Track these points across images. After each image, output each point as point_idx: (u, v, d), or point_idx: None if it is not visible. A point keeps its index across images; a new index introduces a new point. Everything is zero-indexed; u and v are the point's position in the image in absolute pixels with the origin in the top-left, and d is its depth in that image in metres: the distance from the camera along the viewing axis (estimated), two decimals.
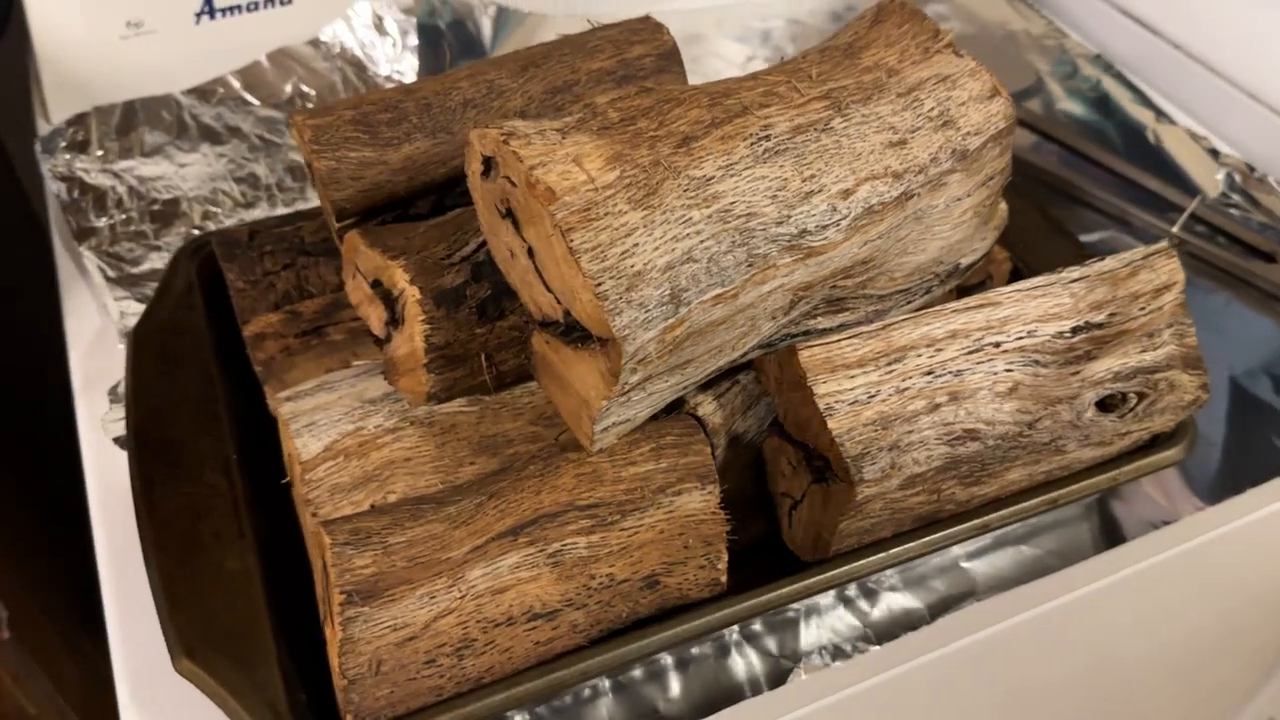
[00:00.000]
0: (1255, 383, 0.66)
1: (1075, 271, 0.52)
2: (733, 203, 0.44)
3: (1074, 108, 0.85)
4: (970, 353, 0.49)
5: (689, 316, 0.43)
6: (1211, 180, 0.78)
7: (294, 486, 0.52)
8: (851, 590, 0.55)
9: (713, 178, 0.44)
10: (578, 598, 0.47)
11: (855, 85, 0.49)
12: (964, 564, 0.57)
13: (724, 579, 0.49)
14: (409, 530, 0.46)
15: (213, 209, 0.74)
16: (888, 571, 0.56)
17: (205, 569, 0.49)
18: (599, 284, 0.41)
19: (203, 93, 0.80)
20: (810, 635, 0.54)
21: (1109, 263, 0.52)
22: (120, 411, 0.61)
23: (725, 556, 0.49)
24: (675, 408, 0.52)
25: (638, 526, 0.48)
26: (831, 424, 0.47)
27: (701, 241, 0.43)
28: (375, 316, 0.52)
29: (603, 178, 0.42)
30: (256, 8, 0.82)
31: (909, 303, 0.53)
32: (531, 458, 0.50)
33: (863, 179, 0.46)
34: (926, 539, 0.50)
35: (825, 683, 0.52)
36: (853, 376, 0.48)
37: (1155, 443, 0.55)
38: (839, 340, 0.49)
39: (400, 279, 0.48)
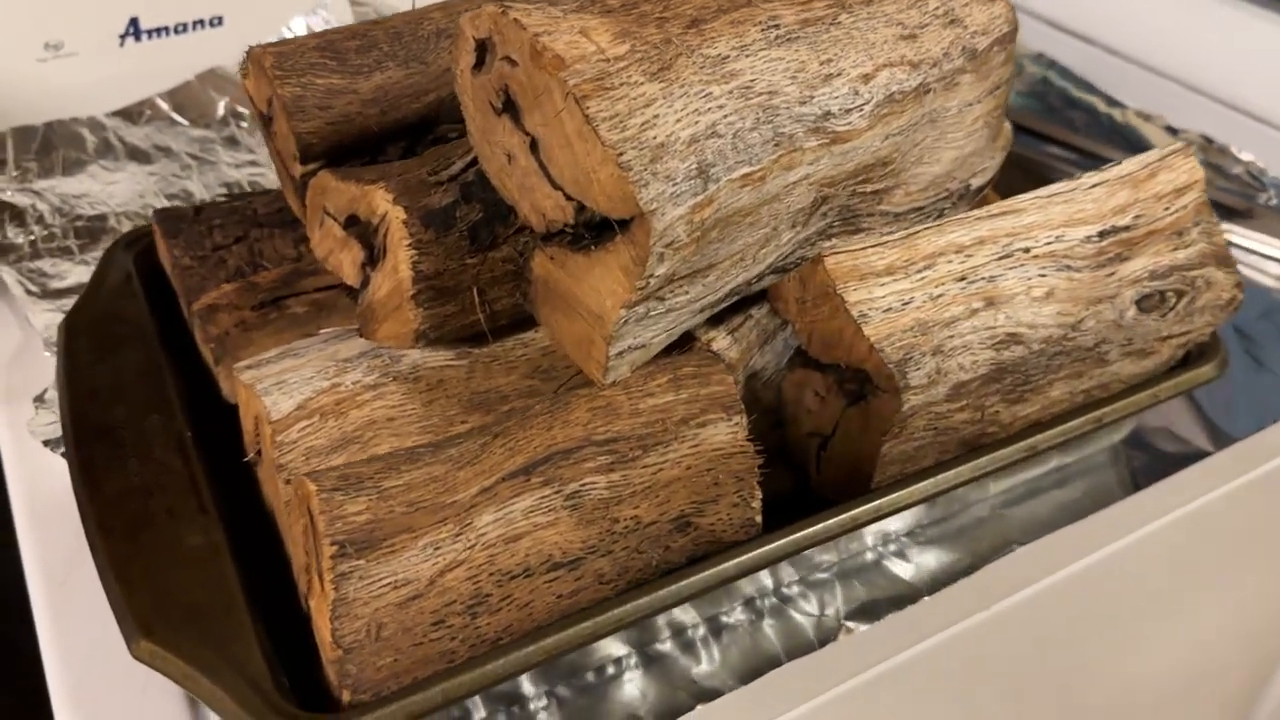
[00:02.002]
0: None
1: (1093, 177, 0.49)
2: (752, 80, 0.40)
3: (1028, 103, 0.85)
4: (1000, 258, 0.46)
5: (717, 196, 0.39)
6: None
7: (262, 456, 0.46)
8: (890, 546, 0.50)
9: (728, 56, 0.40)
10: (601, 544, 0.42)
11: None
12: (1003, 511, 0.52)
13: (759, 519, 0.44)
14: (406, 473, 0.40)
15: (144, 224, 0.68)
16: (924, 523, 0.51)
17: (160, 546, 0.42)
18: (621, 154, 0.36)
19: (129, 114, 0.75)
20: (852, 593, 0.48)
21: (1127, 165, 0.50)
22: (49, 416, 0.54)
23: (759, 494, 0.44)
24: (682, 345, 0.47)
25: (661, 462, 0.43)
26: (868, 330, 0.43)
27: (725, 116, 0.39)
28: (349, 261, 0.46)
29: (613, 49, 0.38)
30: (185, 29, 0.78)
31: (919, 222, 0.50)
32: (539, 400, 0.45)
33: (880, 65, 0.43)
34: (974, 462, 0.45)
35: (878, 640, 0.46)
36: (883, 284, 0.44)
37: (1186, 363, 0.52)
38: (863, 248, 0.45)
39: (381, 201, 0.43)
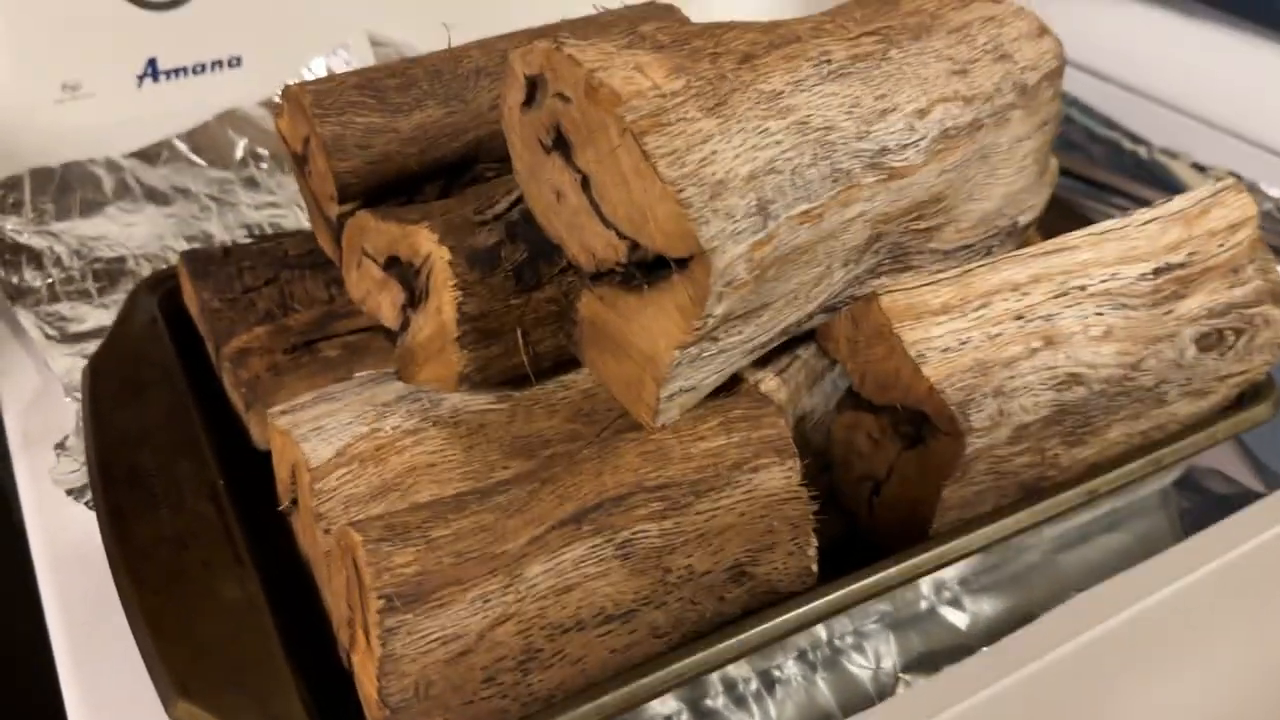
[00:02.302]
0: None
1: (1145, 214, 0.48)
2: (808, 115, 0.39)
3: None
4: (1056, 296, 0.45)
5: (777, 233, 0.37)
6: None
7: (299, 504, 0.44)
8: (944, 594, 0.48)
9: (782, 92, 0.39)
10: (655, 595, 0.40)
11: (901, 25, 0.46)
12: (1055, 556, 0.51)
13: (815, 567, 0.42)
14: (454, 522, 0.39)
15: (166, 266, 0.66)
16: (977, 570, 0.50)
17: (196, 599, 0.40)
18: (680, 190, 0.35)
19: (146, 155, 0.74)
20: (907, 644, 0.47)
21: (1178, 202, 0.49)
22: (71, 464, 0.52)
23: (814, 541, 0.42)
24: (730, 387, 0.46)
25: (714, 509, 0.41)
26: (927, 371, 0.42)
27: (783, 152, 0.38)
28: (388, 302, 0.45)
29: (668, 85, 0.37)
30: (204, 70, 0.78)
31: (967, 260, 0.49)
32: (584, 444, 0.44)
33: (935, 100, 0.43)
34: (1035, 508, 0.44)
35: (938, 693, 0.44)
36: (939, 323, 0.43)
37: (1240, 403, 0.50)
38: (917, 286, 0.44)
39: (425, 242, 0.42)
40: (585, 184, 0.39)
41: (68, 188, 0.71)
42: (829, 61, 0.41)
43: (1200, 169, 0.79)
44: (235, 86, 0.78)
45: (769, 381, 0.46)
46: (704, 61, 0.39)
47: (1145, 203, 0.74)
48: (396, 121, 0.45)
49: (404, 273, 0.44)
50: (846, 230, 0.41)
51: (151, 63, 0.76)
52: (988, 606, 0.49)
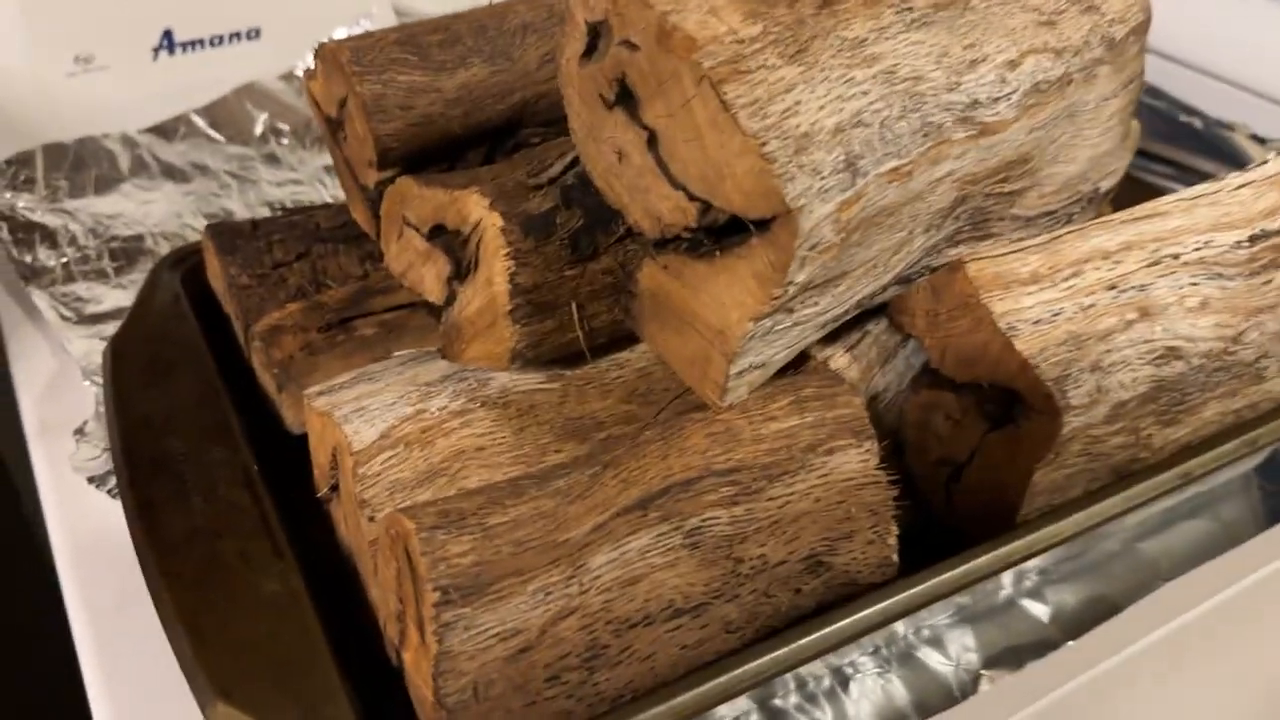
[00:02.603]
0: None
1: (1238, 178, 0.45)
2: (895, 65, 0.36)
3: None
4: (1149, 265, 0.42)
5: (865, 192, 0.34)
6: None
7: (340, 490, 0.41)
8: (1024, 584, 0.45)
9: (866, 39, 0.36)
10: (726, 587, 0.37)
11: None
12: (1136, 545, 0.48)
13: (895, 556, 0.39)
14: (512, 509, 0.36)
15: (187, 243, 0.63)
16: (1059, 559, 0.46)
17: (235, 595, 0.37)
18: (763, 144, 0.32)
19: (163, 130, 0.71)
20: (987, 637, 0.44)
21: (1274, 165, 0.45)
22: (91, 450, 0.49)
23: (895, 529, 0.39)
24: (797, 364, 0.43)
25: (788, 494, 0.38)
26: (1019, 345, 0.38)
27: (870, 103, 0.35)
28: (432, 275, 0.42)
29: (746, 30, 0.34)
30: (221, 42, 0.75)
31: (1050, 230, 0.46)
32: (643, 426, 0.41)
33: (1025, 51, 0.39)
34: (1128, 491, 0.41)
35: (1024, 690, 0.41)
36: (1029, 293, 0.40)
37: None
38: (1004, 254, 0.41)
39: (475, 207, 0.39)
40: (652, 141, 0.36)
41: (82, 164, 0.68)
42: (910, 9, 0.38)
43: (1260, 140, 0.76)
44: (254, 59, 0.75)
45: (839, 358, 0.43)
46: (780, 6, 0.36)
47: (1206, 176, 0.71)
48: (440, 80, 0.42)
49: (450, 242, 0.41)
50: (934, 191, 0.38)
51: (167, 34, 0.73)
52: (1069, 597, 0.46)
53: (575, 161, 0.40)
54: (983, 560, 0.39)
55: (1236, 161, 0.74)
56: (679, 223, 0.36)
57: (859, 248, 0.36)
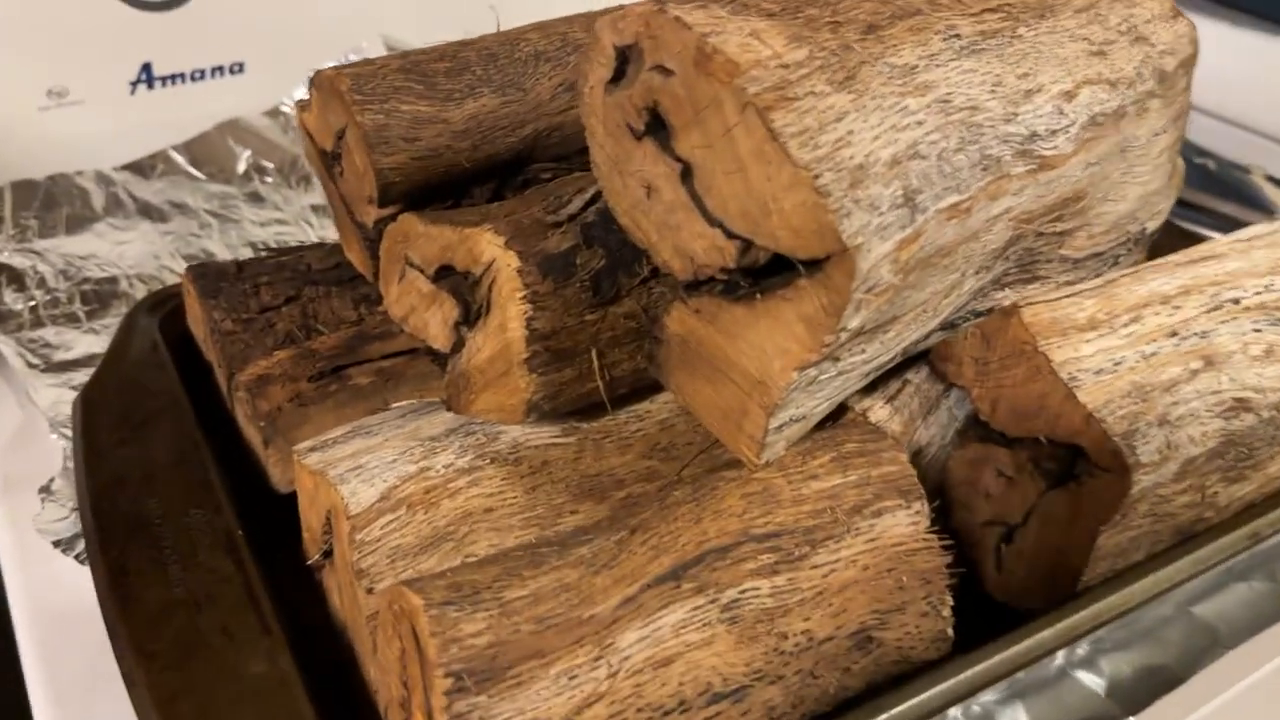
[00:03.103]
0: None
1: None
2: (949, 93, 0.33)
3: None
4: (1209, 310, 0.39)
5: (924, 230, 0.31)
6: None
7: (335, 558, 0.37)
8: (1076, 653, 0.42)
9: (916, 66, 0.33)
10: (769, 667, 0.33)
11: (1022, 3, 0.40)
12: (1190, 609, 0.45)
13: (950, 630, 0.36)
14: (530, 580, 0.32)
15: (166, 285, 0.60)
16: (1111, 629, 0.43)
17: (217, 676, 0.33)
18: (816, 177, 0.29)
19: (140, 168, 0.68)
20: (1040, 712, 0.40)
21: None
22: (59, 511, 0.45)
23: (950, 599, 0.36)
24: (835, 417, 0.40)
25: (833, 561, 0.35)
26: (1082, 397, 0.35)
27: (926, 134, 0.32)
28: (438, 320, 0.39)
29: (790, 54, 0.31)
30: (203, 76, 0.71)
31: (1098, 273, 0.43)
32: (665, 485, 0.37)
33: (1080, 82, 0.37)
34: (1197, 554, 0.38)
35: None
36: (1088, 340, 0.37)
37: None
38: (1058, 299, 0.38)
39: (489, 246, 0.35)
40: (686, 174, 0.33)
41: (53, 202, 0.64)
42: (958, 36, 0.35)
43: (1276, 182, 0.74)
44: (237, 94, 0.72)
45: (879, 410, 0.40)
46: (824, 31, 0.33)
47: (1227, 219, 0.69)
48: (447, 111, 0.39)
49: (458, 284, 0.38)
50: (990, 229, 0.35)
51: (146, 68, 0.69)
52: (1125, 667, 0.42)
53: (596, 197, 0.37)
54: (1048, 633, 0.35)
55: (1256, 203, 0.72)
56: (714, 263, 0.33)
57: (912, 290, 0.33)
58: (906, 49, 0.34)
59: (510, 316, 0.35)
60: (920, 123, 0.32)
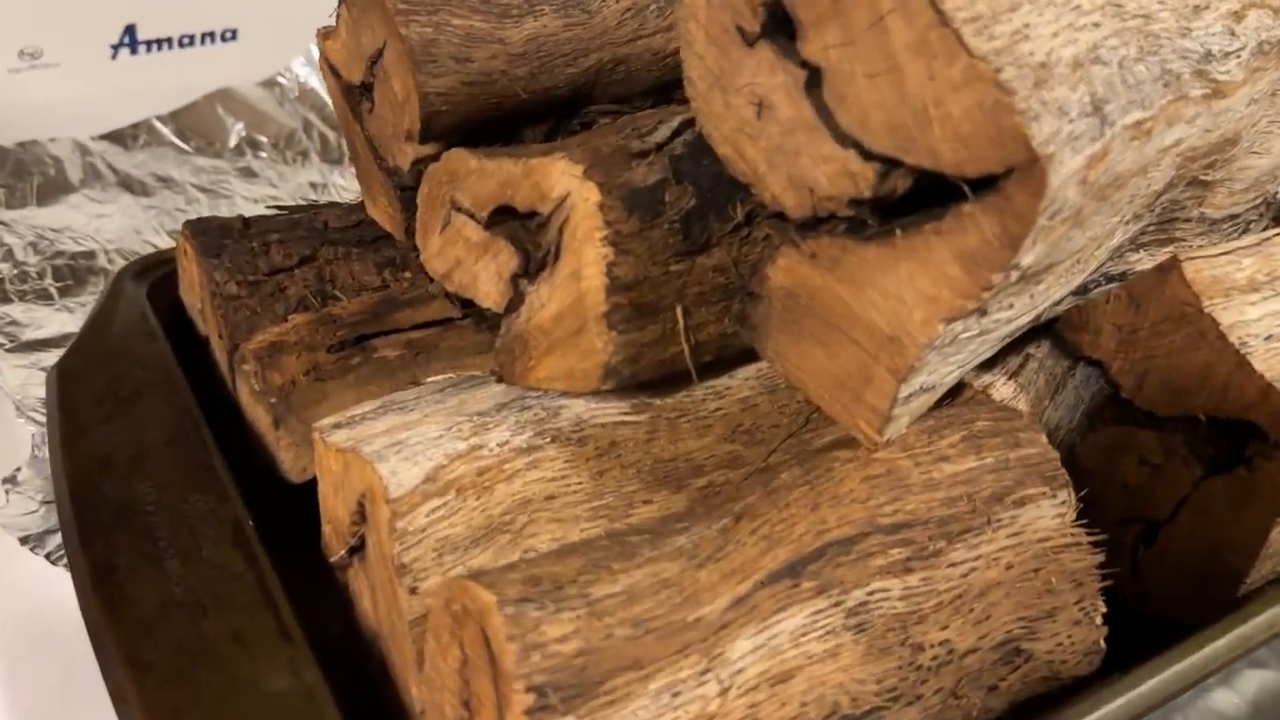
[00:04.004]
0: None
1: None
2: None
3: None
4: None
5: (1111, 147, 0.26)
6: None
7: (368, 551, 0.31)
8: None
9: None
10: (904, 685, 0.28)
11: None
12: None
13: (1103, 642, 0.30)
14: (622, 574, 0.26)
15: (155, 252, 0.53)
16: None
17: (227, 692, 0.27)
18: (999, 70, 0.24)
19: (120, 137, 0.61)
20: None
21: None
22: (26, 503, 0.38)
23: (1102, 605, 0.30)
24: (952, 395, 0.34)
25: (973, 559, 0.29)
26: (1257, 365, 0.30)
27: (1104, 38, 0.27)
28: (490, 273, 0.33)
29: None
30: (191, 42, 0.65)
31: (1227, 237, 0.38)
32: (752, 471, 0.31)
33: (1246, 4, 0.32)
34: None
35: None
36: (1252, 303, 0.32)
37: None
38: (1216, 256, 0.33)
39: (563, 177, 0.30)
40: (812, 84, 0.27)
41: (23, 171, 0.58)
42: None
43: None
44: (229, 62, 0.66)
45: (1001, 387, 0.34)
46: None
47: None
48: (504, 29, 0.33)
49: (516, 230, 0.32)
50: (1158, 164, 0.30)
51: (129, 30, 0.63)
52: (1254, 683, 0.37)
53: (683, 127, 0.32)
54: (1221, 644, 0.30)
55: None
56: (842, 193, 0.27)
57: (1077, 229, 0.28)
58: None
59: (587, 261, 0.30)
60: (1097, 24, 0.27)
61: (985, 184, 0.25)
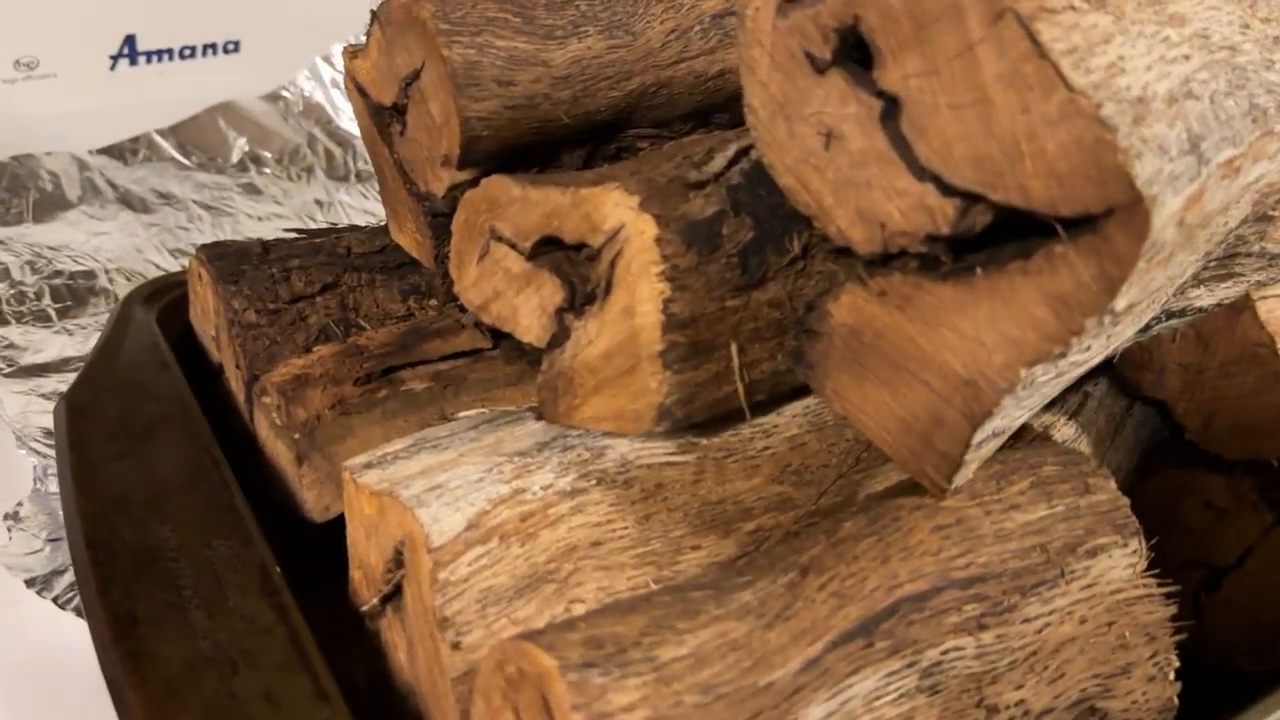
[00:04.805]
0: None
1: None
2: (1205, 28, 0.27)
3: None
4: None
5: (1207, 186, 0.25)
6: None
7: (405, 603, 0.29)
8: None
9: None
10: None
11: None
12: None
13: (1177, 699, 0.29)
14: (688, 635, 0.25)
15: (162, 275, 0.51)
16: None
17: None
18: (1100, 106, 0.22)
19: (119, 152, 0.59)
20: None
21: None
22: (30, 543, 0.36)
23: (1175, 660, 0.29)
24: (1014, 437, 0.33)
25: (1047, 614, 0.28)
26: None
27: (1195, 71, 0.25)
28: (532, 306, 0.31)
29: None
30: (193, 54, 0.63)
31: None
32: (802, 516, 0.30)
33: None
34: None
35: None
36: None
37: None
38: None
39: (616, 209, 0.28)
40: (888, 114, 0.26)
41: (18, 185, 0.56)
42: None
43: None
44: (231, 75, 0.64)
45: (1062, 428, 0.33)
46: None
47: None
48: (548, 51, 0.32)
49: (562, 262, 0.30)
50: (1239, 200, 0.28)
51: (129, 41, 0.61)
52: None
53: (739, 155, 0.30)
54: None
55: None
56: (917, 229, 0.26)
57: (1161, 269, 0.27)
58: None
59: (642, 297, 0.28)
60: (1186, 57, 0.25)
61: (1080, 223, 0.24)
